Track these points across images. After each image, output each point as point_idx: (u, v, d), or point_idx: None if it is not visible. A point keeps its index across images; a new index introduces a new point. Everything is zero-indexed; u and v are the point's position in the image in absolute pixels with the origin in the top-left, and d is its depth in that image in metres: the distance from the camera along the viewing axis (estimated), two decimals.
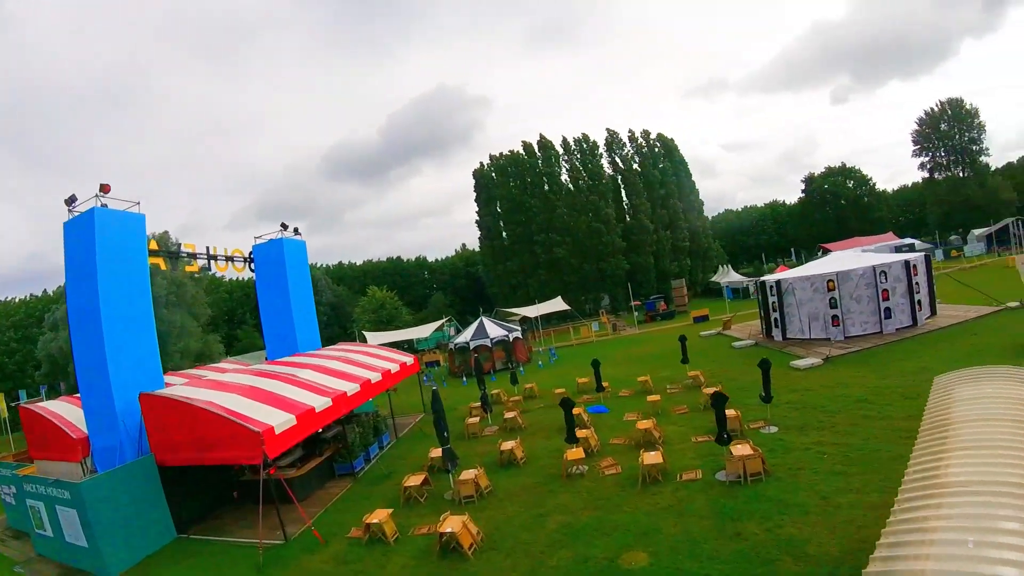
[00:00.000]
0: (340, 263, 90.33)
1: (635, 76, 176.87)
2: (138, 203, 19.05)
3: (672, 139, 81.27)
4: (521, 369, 34.25)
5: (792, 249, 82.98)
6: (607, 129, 76.89)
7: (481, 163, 76.17)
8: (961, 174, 74.93)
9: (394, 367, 25.22)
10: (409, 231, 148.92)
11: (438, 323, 58.02)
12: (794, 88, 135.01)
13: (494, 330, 43.17)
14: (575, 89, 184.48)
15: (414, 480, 16.57)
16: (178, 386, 18.52)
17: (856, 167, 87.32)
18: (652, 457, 14.93)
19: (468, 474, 15.94)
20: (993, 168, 77.15)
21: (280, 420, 15.52)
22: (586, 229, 69.91)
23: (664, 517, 12.77)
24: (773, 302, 30.81)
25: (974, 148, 74.15)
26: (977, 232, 65.11)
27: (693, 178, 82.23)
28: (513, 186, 72.52)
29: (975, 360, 20.77)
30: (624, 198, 74.73)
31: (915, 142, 78.01)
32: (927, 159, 77.67)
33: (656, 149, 78.29)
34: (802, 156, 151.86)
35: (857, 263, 28.75)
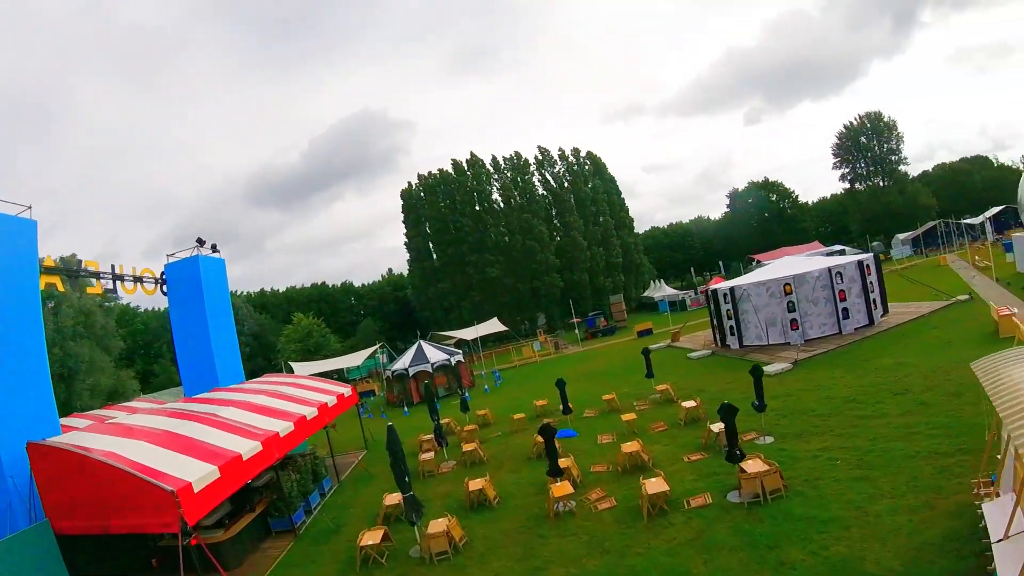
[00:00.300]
0: (262, 290, 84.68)
1: (556, 101, 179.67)
2: (29, 207, 15.64)
3: (600, 157, 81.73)
4: (466, 395, 31.71)
5: (720, 262, 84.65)
6: (538, 147, 76.39)
7: (409, 183, 73.70)
8: (881, 183, 78.97)
9: (331, 399, 22.14)
10: (333, 256, 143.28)
11: (370, 350, 54.45)
12: (710, 111, 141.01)
13: (434, 354, 40.46)
14: (499, 113, 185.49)
15: (371, 537, 13.72)
16: (77, 432, 14.91)
17: (779, 181, 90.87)
18: (655, 485, 12.88)
19: (437, 525, 13.21)
20: (911, 176, 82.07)
21: (200, 474, 12.41)
22: (520, 248, 68.48)
23: (688, 555, 10.70)
24: (728, 310, 29.90)
25: (893, 158, 78.40)
26: (902, 236, 68.34)
27: (622, 195, 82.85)
28: (443, 206, 70.32)
29: (952, 352, 20.19)
30: (556, 216, 73.89)
31: (835, 154, 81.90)
32: (848, 170, 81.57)
33: (586, 167, 78.30)
34: (719, 175, 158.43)
35: (811, 266, 28.31)
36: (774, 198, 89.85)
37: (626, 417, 20.08)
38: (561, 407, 21.89)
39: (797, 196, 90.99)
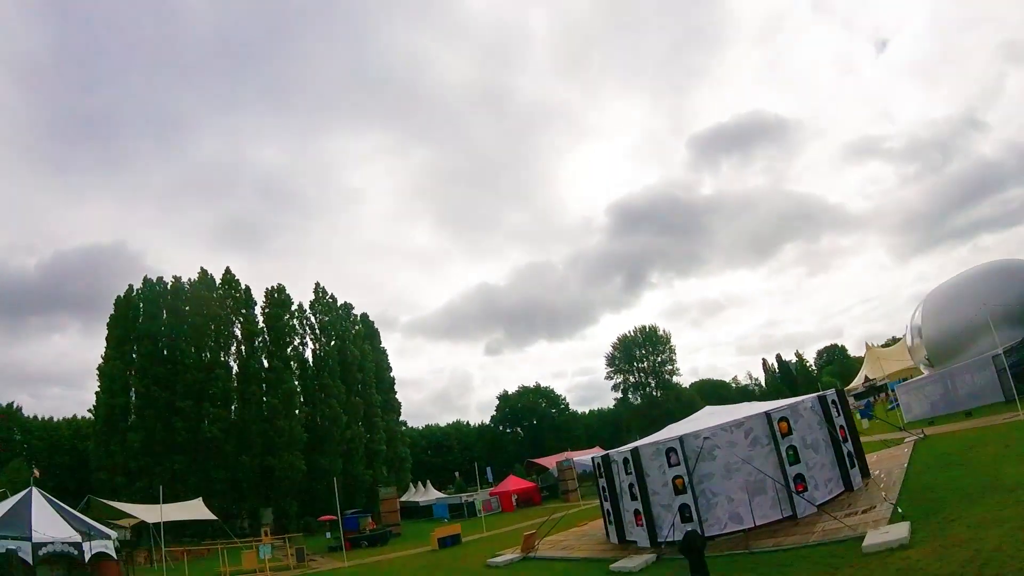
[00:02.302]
0: None
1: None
2: None
3: (375, 324, 69.36)
4: None
5: (488, 467, 72.64)
6: (316, 283, 61.96)
7: (131, 286, 52.86)
8: (655, 393, 79.27)
9: None
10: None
11: None
12: (453, 337, 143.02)
13: (53, 525, 20.28)
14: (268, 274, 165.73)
15: None
16: None
17: (549, 387, 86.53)
18: None
19: None
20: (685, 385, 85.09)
21: None
22: (256, 405, 49.61)
23: None
24: (629, 485, 17.94)
25: (667, 368, 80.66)
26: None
27: (392, 372, 69.63)
28: (164, 324, 49.97)
29: None
30: (313, 375, 57.16)
31: (610, 364, 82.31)
32: (620, 380, 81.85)
33: (357, 326, 64.76)
34: (455, 398, 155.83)
35: (783, 401, 18.49)
36: (543, 404, 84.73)
37: None
38: None
39: (567, 403, 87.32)
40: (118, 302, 52.70)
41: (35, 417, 60.37)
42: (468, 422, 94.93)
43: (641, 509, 18.33)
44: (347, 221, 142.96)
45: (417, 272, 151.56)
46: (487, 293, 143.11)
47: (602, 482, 20.79)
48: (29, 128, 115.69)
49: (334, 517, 40.88)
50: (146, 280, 54.54)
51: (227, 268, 56.76)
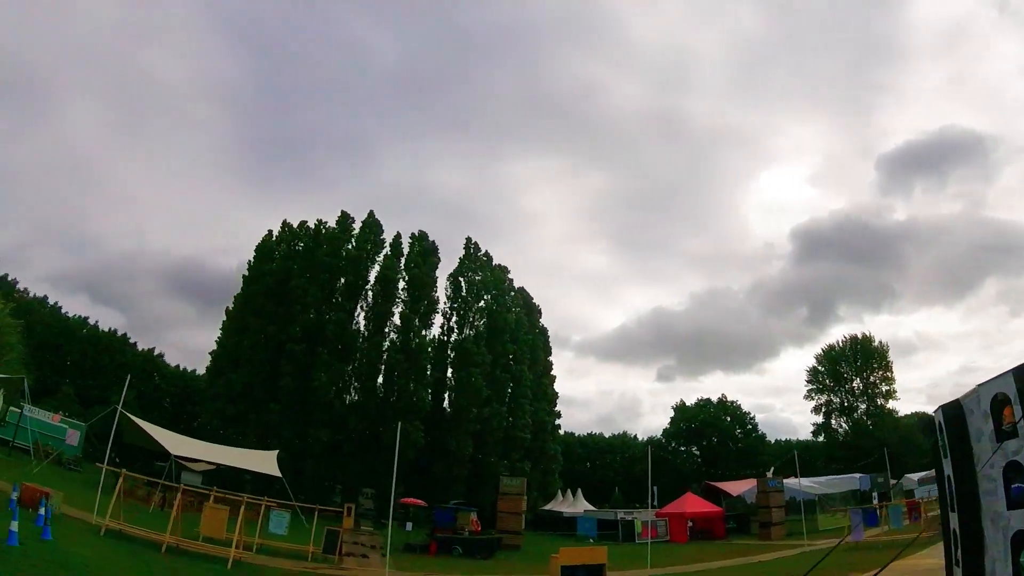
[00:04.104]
0: None
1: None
2: None
3: (533, 298, 58.22)
4: None
5: (655, 488, 57.33)
6: (467, 238, 52.38)
7: (270, 231, 48.83)
8: (867, 421, 58.88)
9: None
10: None
11: None
12: (626, 361, 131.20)
13: None
14: None
15: None
16: None
17: (735, 401, 68.67)
18: None
19: None
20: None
21: None
22: (378, 361, 40.90)
23: None
24: None
25: (882, 390, 59.83)
26: (916, 475, 44.54)
27: (551, 357, 57.83)
28: (297, 265, 44.36)
29: None
30: (451, 337, 47.41)
31: (812, 379, 63.09)
32: (823, 400, 62.45)
33: (512, 294, 54.03)
34: (622, 422, 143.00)
35: None
36: (727, 421, 67.04)
37: None
38: None
39: (756, 424, 68.57)
40: (258, 248, 48.15)
41: (177, 366, 58.95)
42: (636, 435, 79.86)
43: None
44: (524, 242, 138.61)
45: (591, 293, 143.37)
46: (661, 317, 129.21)
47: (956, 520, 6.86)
48: (233, 148, 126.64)
49: (421, 502, 30.05)
50: (285, 223, 49.56)
51: (370, 212, 49.41)
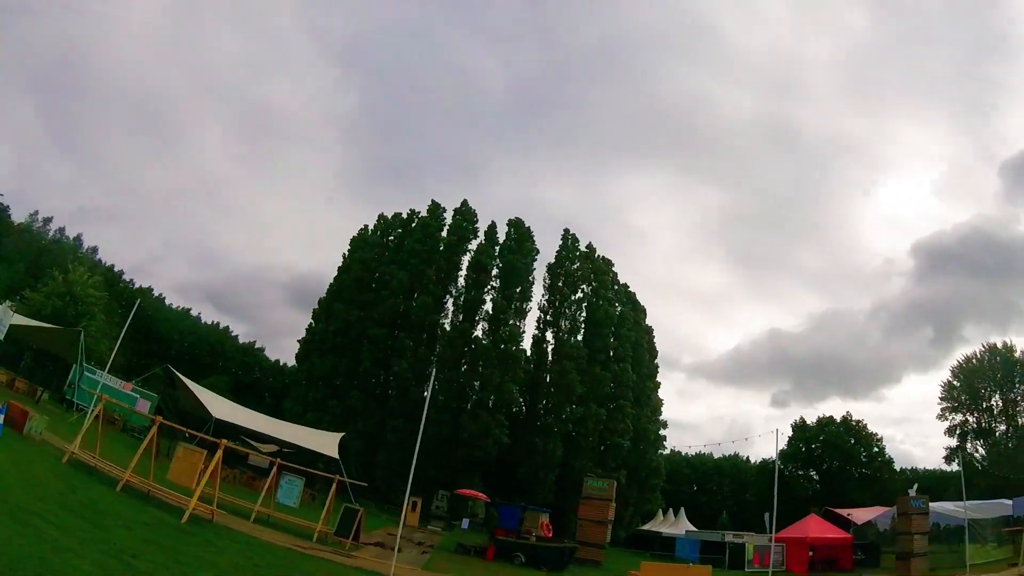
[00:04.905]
0: None
1: None
2: None
3: (637, 296, 53.07)
4: None
5: (766, 514, 49.73)
6: (565, 229, 48.58)
7: (366, 226, 48.19)
8: (1010, 445, 47.90)
9: None
10: None
11: None
12: (740, 384, 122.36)
13: None
14: None
15: None
16: None
17: (861, 421, 59.05)
18: None
19: None
20: None
21: None
22: (464, 351, 38.14)
23: None
24: None
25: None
26: None
27: (656, 359, 52.50)
28: (388, 252, 42.74)
29: None
30: (545, 326, 43.67)
31: (946, 396, 52.70)
32: (959, 420, 51.87)
33: (616, 287, 49.38)
34: (733, 447, 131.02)
35: None
36: (852, 443, 57.55)
37: None
38: None
39: (883, 447, 58.53)
40: (353, 240, 47.54)
41: (276, 361, 59.85)
42: (748, 457, 71.33)
43: None
44: (633, 259, 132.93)
45: (704, 313, 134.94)
46: (777, 340, 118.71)
47: None
48: (349, 169, 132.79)
49: (482, 496, 26.06)
50: (381, 216, 48.72)
51: (463, 200, 47.09)
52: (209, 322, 59.22)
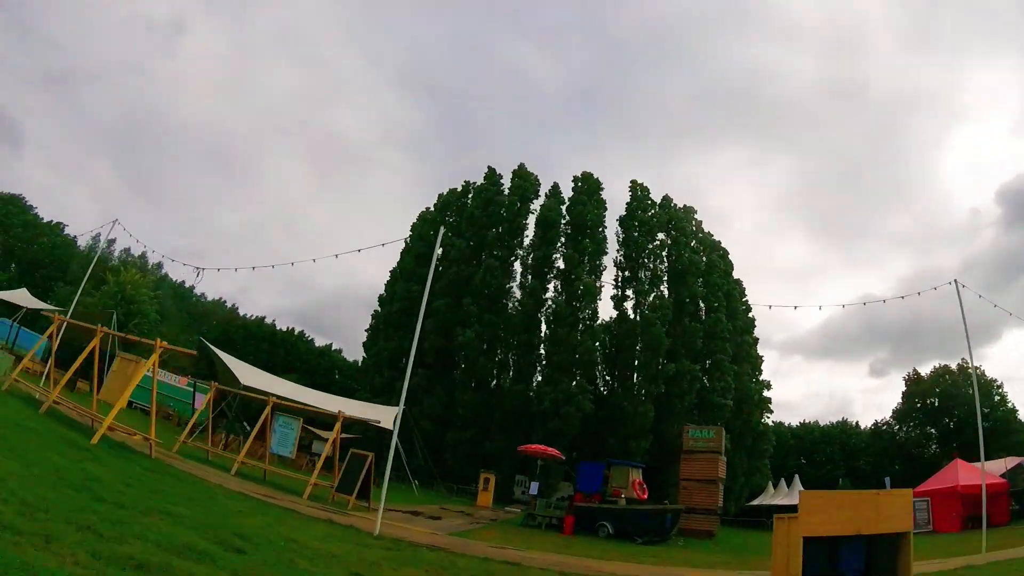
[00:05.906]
0: None
1: None
2: None
3: (722, 243, 47.41)
4: None
5: (887, 478, 42.99)
6: (632, 182, 43.73)
7: (440, 195, 46.00)
8: None
9: None
10: None
11: None
12: (835, 356, 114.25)
13: None
14: None
15: None
16: None
17: (979, 367, 50.62)
18: None
19: None
20: None
21: None
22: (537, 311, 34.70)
23: None
24: None
25: None
26: None
27: (752, 313, 46.76)
28: (447, 223, 40.31)
29: None
30: (621, 282, 39.42)
31: None
32: None
33: (700, 235, 44.30)
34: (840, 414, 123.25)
35: None
36: (969, 392, 49.05)
37: None
38: None
39: (1005, 394, 49.98)
40: (414, 226, 45.15)
41: (355, 361, 59.06)
42: (856, 422, 63.70)
43: None
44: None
45: (791, 288, 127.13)
46: (869, 307, 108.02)
47: None
48: (416, 184, 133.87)
49: (556, 452, 21.95)
50: (440, 195, 46.12)
51: (520, 164, 43.55)
52: (284, 328, 59.08)
